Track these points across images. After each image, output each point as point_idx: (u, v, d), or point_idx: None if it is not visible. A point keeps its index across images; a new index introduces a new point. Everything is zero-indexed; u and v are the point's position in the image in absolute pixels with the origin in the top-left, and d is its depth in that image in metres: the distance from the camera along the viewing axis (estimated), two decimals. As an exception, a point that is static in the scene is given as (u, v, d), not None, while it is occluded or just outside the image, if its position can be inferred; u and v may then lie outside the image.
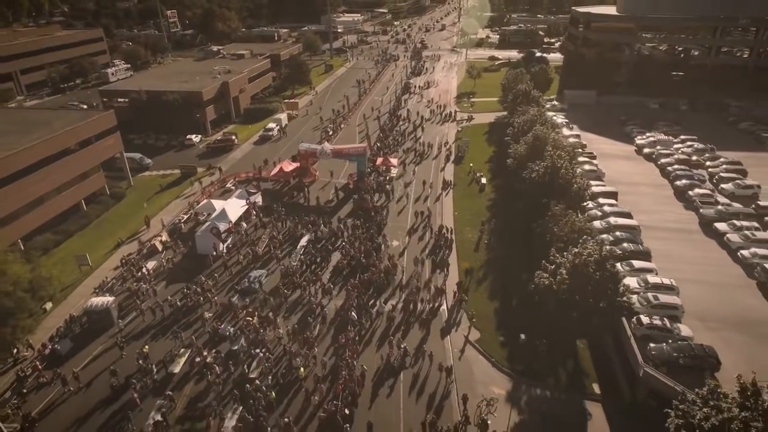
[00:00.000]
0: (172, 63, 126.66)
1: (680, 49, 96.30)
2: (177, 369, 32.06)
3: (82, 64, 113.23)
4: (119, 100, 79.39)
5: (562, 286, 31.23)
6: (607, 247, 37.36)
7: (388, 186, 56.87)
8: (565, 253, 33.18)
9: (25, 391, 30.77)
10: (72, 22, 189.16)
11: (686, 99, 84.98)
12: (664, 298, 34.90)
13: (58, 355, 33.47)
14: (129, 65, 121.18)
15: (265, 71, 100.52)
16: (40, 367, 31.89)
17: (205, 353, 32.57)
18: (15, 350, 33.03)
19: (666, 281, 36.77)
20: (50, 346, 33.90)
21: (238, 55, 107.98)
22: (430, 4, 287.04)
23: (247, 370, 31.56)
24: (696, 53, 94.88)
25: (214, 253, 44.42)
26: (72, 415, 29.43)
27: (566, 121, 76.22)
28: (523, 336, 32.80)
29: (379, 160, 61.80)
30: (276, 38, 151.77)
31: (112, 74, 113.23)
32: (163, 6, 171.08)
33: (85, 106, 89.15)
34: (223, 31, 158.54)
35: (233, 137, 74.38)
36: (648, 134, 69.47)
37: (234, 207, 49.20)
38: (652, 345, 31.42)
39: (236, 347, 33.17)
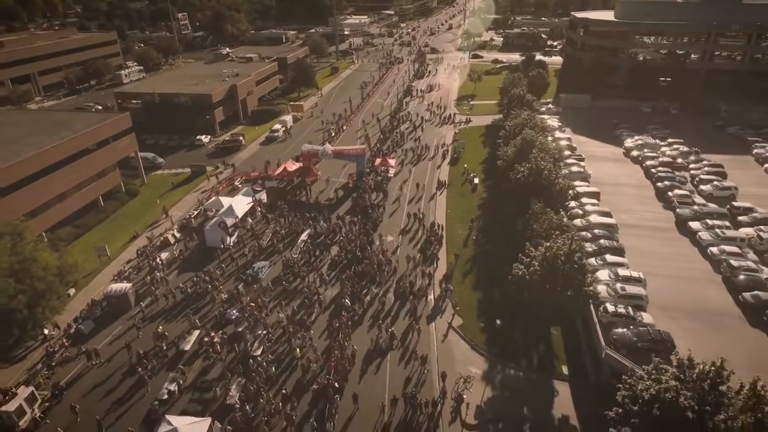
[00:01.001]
0: (183, 66, 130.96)
1: (681, 52, 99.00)
2: (187, 347, 35.85)
3: (97, 66, 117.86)
4: (133, 101, 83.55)
5: (534, 276, 34.58)
6: (585, 243, 41.04)
7: (385, 185, 60.40)
8: (539, 247, 36.51)
9: (53, 364, 34.72)
10: (85, 23, 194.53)
11: (678, 103, 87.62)
12: (631, 289, 38.07)
13: (82, 334, 37.44)
14: (141, 67, 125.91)
15: (272, 74, 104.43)
16: (66, 344, 35.88)
17: (212, 334, 36.28)
18: (45, 329, 36.93)
19: (635, 274, 39.90)
20: (74, 326, 37.88)
21: (246, 58, 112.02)
22: (436, 5, 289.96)
23: (250, 349, 35.23)
24: (695, 57, 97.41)
25: (222, 245, 48.19)
26: (95, 385, 33.35)
27: (559, 124, 79.24)
28: (498, 321, 36.48)
29: (378, 161, 65.25)
30: (284, 40, 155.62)
31: (126, 76, 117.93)
32: (174, 8, 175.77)
33: (100, 107, 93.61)
34: (233, 33, 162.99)
35: (241, 138, 78.30)
36: (637, 137, 72.34)
37: (240, 204, 52.92)
38: (615, 330, 34.63)
39: (241, 329, 36.86)
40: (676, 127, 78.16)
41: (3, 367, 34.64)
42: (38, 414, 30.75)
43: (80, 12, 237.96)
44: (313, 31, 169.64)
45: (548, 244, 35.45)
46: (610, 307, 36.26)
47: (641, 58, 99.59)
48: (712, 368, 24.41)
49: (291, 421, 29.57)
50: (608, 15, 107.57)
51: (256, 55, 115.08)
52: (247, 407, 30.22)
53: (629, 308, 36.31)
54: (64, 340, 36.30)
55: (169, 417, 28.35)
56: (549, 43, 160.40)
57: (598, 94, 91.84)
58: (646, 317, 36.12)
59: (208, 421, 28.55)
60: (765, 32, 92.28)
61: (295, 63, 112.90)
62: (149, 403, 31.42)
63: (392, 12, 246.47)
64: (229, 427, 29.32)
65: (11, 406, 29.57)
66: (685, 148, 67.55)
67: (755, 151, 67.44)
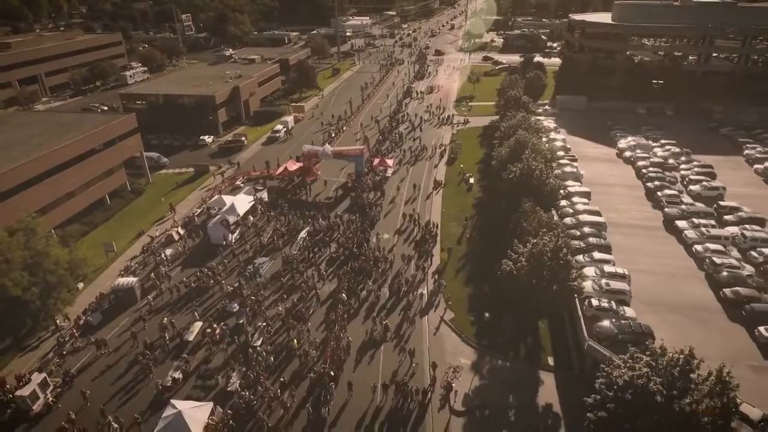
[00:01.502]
0: (187, 67, 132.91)
1: (679, 54, 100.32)
2: (191, 338, 37.68)
3: (102, 67, 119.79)
4: (138, 102, 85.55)
5: (521, 272, 36.24)
6: (573, 240, 42.66)
7: (383, 185, 62.11)
8: (527, 244, 38.17)
9: (64, 353, 36.64)
10: (90, 24, 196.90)
11: (673, 105, 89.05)
12: (615, 284, 39.74)
13: (91, 325, 39.40)
14: (146, 68, 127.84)
15: (274, 75, 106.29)
16: (76, 334, 37.82)
17: (215, 325, 38.09)
18: (57, 320, 38.84)
19: (620, 270, 41.59)
20: (84, 318, 39.79)
21: (249, 59, 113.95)
22: (438, 6, 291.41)
23: (250, 339, 37.02)
24: (693, 58, 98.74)
25: (224, 242, 49.98)
26: (104, 372, 35.26)
27: (555, 125, 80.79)
28: (487, 315, 38.18)
29: (376, 161, 66.95)
30: (286, 41, 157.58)
31: (130, 77, 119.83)
32: (178, 9, 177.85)
33: (106, 108, 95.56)
34: (236, 35, 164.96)
35: (243, 138, 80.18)
36: (630, 138, 73.86)
37: (242, 202, 54.72)
38: (598, 323, 36.27)
39: (242, 321, 38.69)
40: (671, 129, 79.68)
41: (18, 355, 36.63)
42: (50, 399, 32.62)
43: (85, 13, 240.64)
44: (315, 32, 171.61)
45: (535, 240, 37.10)
46: (595, 302, 37.93)
47: (637, 60, 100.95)
48: (681, 356, 26.08)
49: (288, 406, 31.32)
50: (605, 17, 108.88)
51: (258, 56, 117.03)
52: (247, 393, 32.00)
53: (613, 303, 37.97)
54: (74, 330, 38.22)
55: (173, 401, 30.11)
56: (549, 44, 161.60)
57: (594, 96, 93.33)
58: (629, 311, 37.83)
59: (210, 405, 30.38)
60: (760, 34, 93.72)
61: (297, 64, 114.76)
62: (155, 389, 33.23)
63: (394, 13, 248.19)
64: (230, 411, 31.09)
65: (26, 391, 31.47)
66: (677, 149, 69.04)
67: (746, 152, 68.89)
